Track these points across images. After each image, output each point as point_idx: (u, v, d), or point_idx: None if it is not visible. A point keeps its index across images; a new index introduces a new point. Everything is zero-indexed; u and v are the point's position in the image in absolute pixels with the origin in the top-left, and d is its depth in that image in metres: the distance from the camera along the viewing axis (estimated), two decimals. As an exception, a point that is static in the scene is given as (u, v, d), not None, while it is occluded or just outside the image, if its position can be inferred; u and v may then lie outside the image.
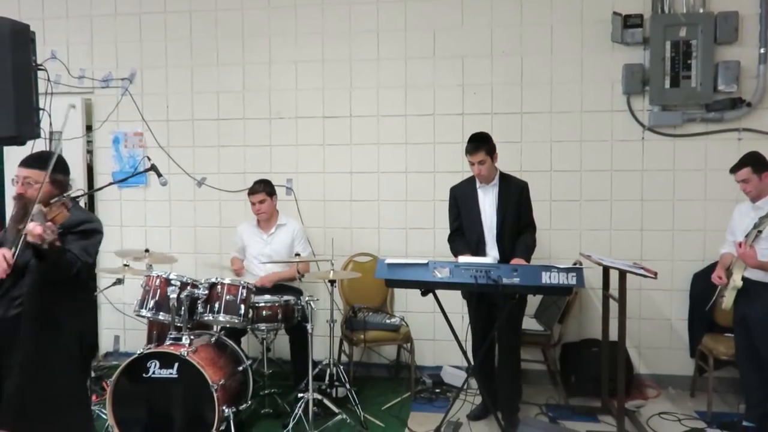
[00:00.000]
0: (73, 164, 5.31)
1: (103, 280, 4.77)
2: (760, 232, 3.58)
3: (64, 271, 2.68)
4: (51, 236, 2.49)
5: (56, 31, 5.42)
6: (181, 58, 5.33)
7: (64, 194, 2.88)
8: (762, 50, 4.55)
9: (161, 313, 3.99)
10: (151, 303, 4.00)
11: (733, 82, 4.58)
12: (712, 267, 4.58)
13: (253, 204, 4.63)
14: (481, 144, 3.93)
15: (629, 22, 4.69)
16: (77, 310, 2.89)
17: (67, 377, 2.83)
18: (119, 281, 4.35)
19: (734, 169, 3.83)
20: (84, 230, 2.81)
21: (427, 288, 3.60)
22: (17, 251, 2.57)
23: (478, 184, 4.07)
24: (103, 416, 3.82)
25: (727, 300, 3.78)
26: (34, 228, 2.45)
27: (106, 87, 5.41)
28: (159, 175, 4.43)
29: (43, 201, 2.71)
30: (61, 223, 2.71)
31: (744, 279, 3.70)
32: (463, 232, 4.10)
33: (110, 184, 4.83)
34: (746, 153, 3.90)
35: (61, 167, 2.86)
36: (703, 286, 4.60)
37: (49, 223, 2.57)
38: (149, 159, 4.75)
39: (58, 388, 2.77)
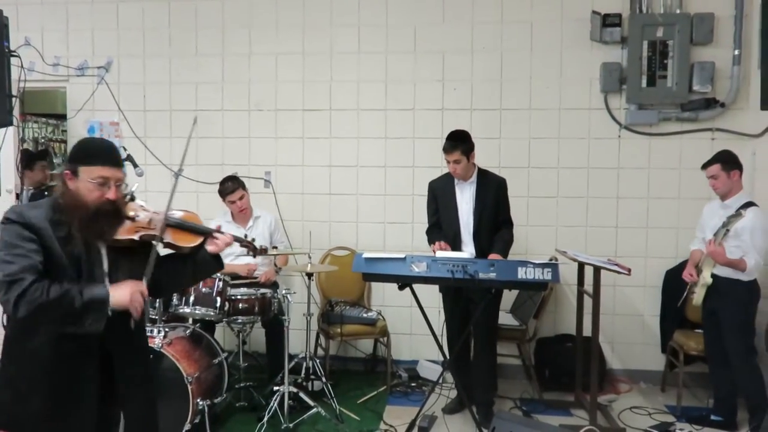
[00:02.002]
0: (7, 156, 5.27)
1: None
2: (728, 230, 3.65)
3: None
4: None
5: (30, 17, 5.31)
6: (159, 48, 5.26)
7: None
8: (736, 52, 4.63)
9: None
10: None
11: (708, 82, 4.65)
12: (684, 264, 4.67)
13: (232, 203, 4.54)
14: (458, 143, 3.95)
15: (608, 21, 4.74)
16: None
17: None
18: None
19: (705, 166, 3.93)
20: None
21: (405, 282, 3.60)
22: (149, 275, 2.19)
23: (456, 180, 4.09)
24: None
25: (697, 296, 3.87)
26: (224, 239, 2.36)
27: (82, 75, 5.32)
28: (135, 165, 4.38)
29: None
30: None
31: (713, 276, 3.79)
32: (441, 227, 4.13)
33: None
34: (719, 150, 3.99)
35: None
36: (675, 283, 4.68)
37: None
38: (125, 149, 4.67)
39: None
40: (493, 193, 4.05)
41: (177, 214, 2.39)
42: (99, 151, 2.17)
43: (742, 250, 3.69)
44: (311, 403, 4.03)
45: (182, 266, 2.38)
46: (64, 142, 5.62)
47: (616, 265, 3.85)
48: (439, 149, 4.75)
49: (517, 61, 4.91)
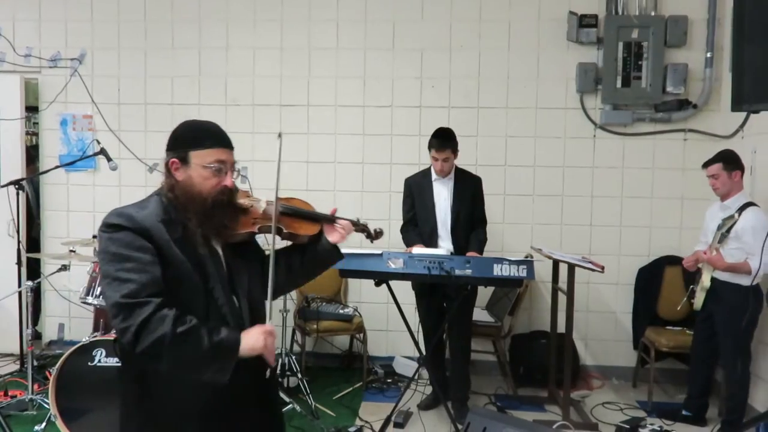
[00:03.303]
0: (12, 146, 5.22)
1: (48, 267, 4.63)
2: (724, 234, 3.65)
3: None
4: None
5: (1, 6, 5.20)
6: (134, 40, 5.18)
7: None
8: (709, 54, 4.71)
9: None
10: (98, 290, 3.89)
11: (681, 84, 4.73)
12: (657, 262, 4.78)
13: None
14: (448, 142, 3.98)
15: (584, 21, 4.79)
16: None
17: None
18: (64, 267, 4.23)
19: (706, 164, 3.87)
20: None
21: (381, 278, 3.61)
22: (272, 288, 1.88)
23: (433, 177, 4.11)
24: (46, 406, 3.71)
25: (698, 300, 3.87)
26: (345, 225, 2.08)
27: (54, 67, 5.22)
28: (109, 159, 4.33)
29: None
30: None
31: (712, 279, 3.79)
32: (417, 223, 4.14)
33: (57, 167, 4.70)
34: (721, 150, 3.95)
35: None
36: (647, 281, 4.78)
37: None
38: (99, 143, 4.62)
39: None
40: (470, 191, 4.08)
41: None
42: (210, 132, 1.85)
43: (744, 252, 3.62)
44: (287, 399, 4.02)
45: (300, 260, 2.06)
46: (36, 134, 5.51)
47: (590, 262, 3.89)
48: (417, 146, 4.77)
49: (494, 59, 4.94)
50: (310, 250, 2.06)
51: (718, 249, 3.67)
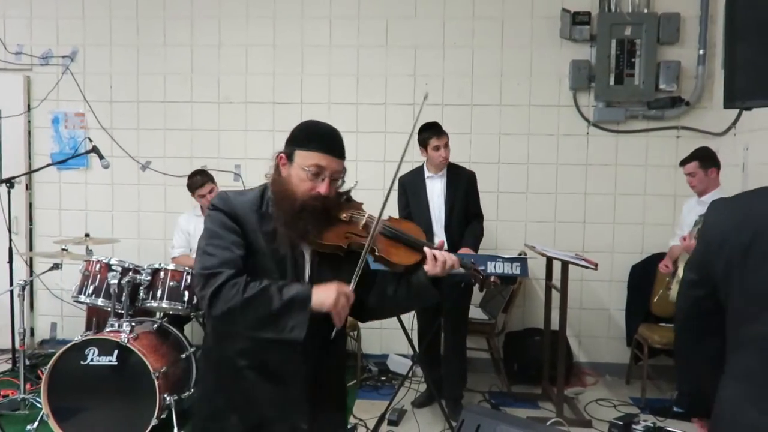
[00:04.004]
0: (15, 143, 5.22)
1: (40, 265, 4.60)
2: (697, 227, 3.72)
3: None
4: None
5: (-8, 3, 5.17)
6: (126, 37, 5.15)
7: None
8: (701, 51, 4.73)
9: (101, 299, 3.87)
10: (91, 289, 3.88)
11: (674, 81, 4.74)
12: (650, 259, 4.77)
13: (202, 196, 4.43)
14: (443, 129, 4.01)
15: (577, 19, 4.79)
16: None
17: None
18: (57, 266, 4.20)
19: (683, 162, 3.97)
20: None
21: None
22: (354, 283, 1.80)
23: (426, 174, 4.11)
24: (38, 405, 3.69)
25: (673, 291, 3.91)
26: (453, 261, 1.84)
27: (46, 64, 5.19)
28: (101, 157, 4.31)
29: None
30: None
31: None
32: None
33: (48, 165, 4.68)
34: (698, 147, 4.04)
35: None
36: (640, 278, 4.78)
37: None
38: (91, 140, 4.60)
39: None
40: (463, 186, 4.08)
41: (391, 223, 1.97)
42: (320, 135, 1.84)
43: None
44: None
45: (394, 288, 1.93)
46: (28, 133, 5.47)
47: (584, 260, 3.90)
48: (412, 144, 4.75)
49: (488, 57, 4.94)
50: (404, 281, 1.91)
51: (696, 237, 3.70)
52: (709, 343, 1.65)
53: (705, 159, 3.89)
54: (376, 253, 1.85)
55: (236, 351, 1.83)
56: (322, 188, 1.79)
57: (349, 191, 1.97)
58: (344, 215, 1.87)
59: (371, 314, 2.03)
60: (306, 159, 1.79)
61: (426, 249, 1.86)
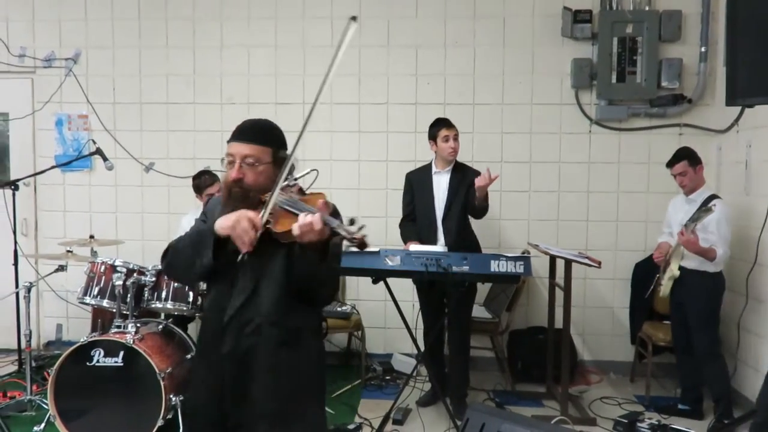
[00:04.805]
0: (21, 146, 5.25)
1: (45, 267, 4.62)
2: (696, 223, 3.73)
3: (333, 280, 2.01)
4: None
5: (-5, 6, 5.19)
6: (128, 39, 5.17)
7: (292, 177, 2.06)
8: (703, 49, 4.73)
9: (106, 300, 3.89)
10: (96, 290, 3.89)
11: (676, 78, 4.74)
12: (653, 257, 4.76)
13: (210, 195, 4.45)
14: (451, 121, 4.04)
15: (579, 17, 4.79)
16: (318, 328, 2.18)
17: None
18: (62, 268, 4.22)
19: (670, 164, 4.00)
20: None
21: (378, 276, 3.61)
22: (264, 216, 1.86)
23: (434, 170, 4.13)
24: (45, 407, 3.71)
25: (665, 288, 3.96)
26: (313, 220, 1.75)
27: (49, 67, 5.21)
28: (105, 159, 4.32)
29: (262, 188, 1.97)
30: None
31: (681, 268, 3.88)
32: (414, 218, 4.16)
33: (53, 167, 4.70)
34: (679, 148, 4.08)
35: (284, 142, 2.16)
36: (644, 276, 4.78)
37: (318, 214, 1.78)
38: (94, 142, 4.62)
39: None
40: (467, 182, 4.08)
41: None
42: (237, 128, 2.06)
43: (709, 242, 3.76)
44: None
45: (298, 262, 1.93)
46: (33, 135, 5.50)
47: (587, 258, 3.90)
48: (413, 143, 4.79)
49: (489, 56, 4.95)
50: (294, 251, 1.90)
51: (695, 231, 3.71)
52: None
53: (691, 158, 3.93)
54: (268, 225, 1.88)
55: (198, 338, 2.15)
56: (232, 173, 1.96)
57: (295, 177, 2.06)
58: (264, 197, 1.92)
59: (299, 291, 1.99)
60: (227, 151, 2.02)
61: (301, 214, 1.81)
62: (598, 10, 4.79)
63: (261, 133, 2.05)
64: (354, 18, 1.99)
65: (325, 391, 2.24)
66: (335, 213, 1.93)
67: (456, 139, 4.04)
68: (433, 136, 4.08)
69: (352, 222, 1.77)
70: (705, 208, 3.73)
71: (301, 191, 2.07)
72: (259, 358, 1.98)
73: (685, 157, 3.93)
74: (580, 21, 4.79)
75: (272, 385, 1.98)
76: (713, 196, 3.88)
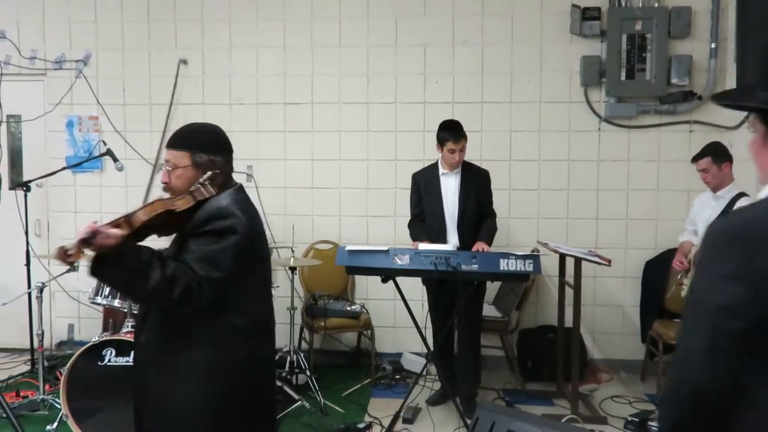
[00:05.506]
0: (34, 147, 5.30)
1: (57, 268, 4.65)
2: None
3: (158, 290, 1.92)
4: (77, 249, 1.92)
5: (5, 9, 5.23)
6: (138, 41, 5.20)
7: (201, 178, 2.10)
8: (713, 45, 4.69)
9: (117, 300, 3.92)
10: (107, 290, 3.93)
11: (686, 75, 4.71)
12: (663, 255, 4.75)
13: None
14: (462, 132, 4.00)
15: (587, 14, 4.77)
16: (214, 340, 2.09)
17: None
18: (73, 268, 4.24)
19: (695, 159, 3.90)
20: (211, 230, 2.02)
21: (388, 275, 3.62)
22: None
23: (441, 171, 4.12)
24: (57, 406, 3.74)
25: (686, 288, 3.88)
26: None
27: (59, 69, 5.25)
28: (115, 159, 4.35)
29: (185, 190, 2.08)
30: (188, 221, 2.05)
31: None
32: (423, 219, 4.15)
33: (63, 168, 4.74)
34: (708, 143, 3.99)
35: (210, 145, 2.20)
36: (654, 274, 4.76)
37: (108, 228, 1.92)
38: (105, 143, 4.64)
39: None
40: (477, 184, 4.08)
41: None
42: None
43: None
44: (296, 396, 4.04)
45: None
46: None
47: (597, 256, 3.89)
48: (422, 142, 4.79)
49: (497, 54, 4.93)
50: None
51: None
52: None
53: (717, 154, 3.81)
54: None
55: None
56: (163, 177, 2.16)
57: (203, 182, 2.09)
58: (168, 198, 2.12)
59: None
60: None
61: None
62: (607, 7, 4.77)
63: (179, 138, 2.18)
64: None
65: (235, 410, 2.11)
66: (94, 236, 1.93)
67: (462, 150, 4.00)
68: (440, 141, 4.05)
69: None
70: (739, 209, 3.67)
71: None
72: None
73: (711, 153, 3.82)
74: (589, 18, 4.77)
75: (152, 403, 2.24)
76: (741, 194, 3.75)
